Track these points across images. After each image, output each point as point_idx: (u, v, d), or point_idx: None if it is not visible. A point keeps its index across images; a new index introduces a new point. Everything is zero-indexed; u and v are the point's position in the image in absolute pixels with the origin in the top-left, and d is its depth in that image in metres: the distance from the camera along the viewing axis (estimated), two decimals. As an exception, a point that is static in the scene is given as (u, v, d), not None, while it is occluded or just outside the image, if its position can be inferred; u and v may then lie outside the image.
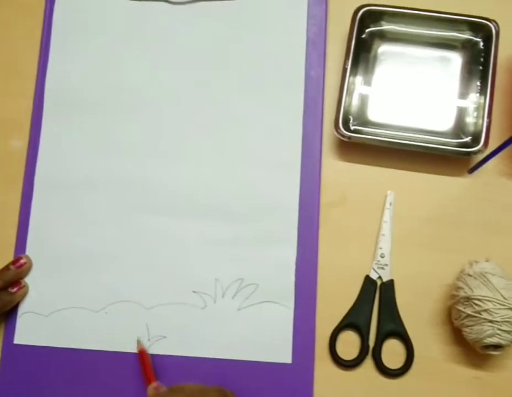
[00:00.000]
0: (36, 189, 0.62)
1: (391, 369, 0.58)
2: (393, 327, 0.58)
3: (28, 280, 0.61)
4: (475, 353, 0.56)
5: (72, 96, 0.64)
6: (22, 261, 0.60)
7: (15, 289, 0.59)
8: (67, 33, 0.65)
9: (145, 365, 0.57)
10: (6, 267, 0.60)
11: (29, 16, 0.66)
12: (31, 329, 0.60)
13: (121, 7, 0.65)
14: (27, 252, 0.61)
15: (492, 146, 0.57)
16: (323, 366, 0.58)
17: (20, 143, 0.64)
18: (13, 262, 0.60)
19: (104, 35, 0.65)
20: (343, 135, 0.59)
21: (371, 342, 0.58)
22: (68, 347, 0.59)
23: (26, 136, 0.64)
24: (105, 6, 0.65)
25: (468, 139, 0.59)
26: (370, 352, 0.58)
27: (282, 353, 0.58)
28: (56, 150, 0.63)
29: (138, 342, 0.58)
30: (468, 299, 0.54)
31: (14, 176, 0.63)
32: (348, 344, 0.59)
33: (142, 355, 0.57)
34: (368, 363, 0.58)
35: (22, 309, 0.60)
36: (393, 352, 0.58)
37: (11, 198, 0.62)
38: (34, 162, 0.63)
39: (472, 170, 0.58)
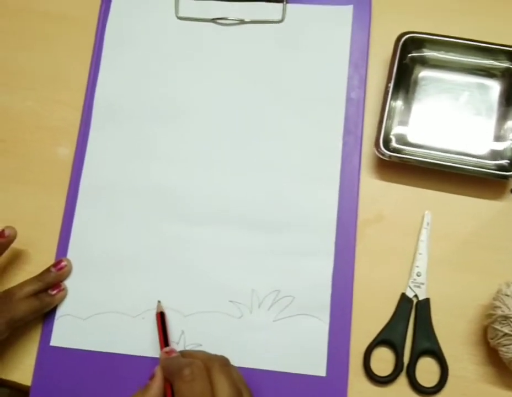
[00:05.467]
0: (80, 195, 0.64)
1: (425, 387, 0.58)
2: (428, 345, 0.58)
3: (68, 283, 0.62)
4: (511, 374, 0.56)
5: (119, 109, 0.66)
6: (63, 264, 0.61)
7: (54, 291, 0.60)
8: (117, 49, 0.68)
9: (159, 329, 0.57)
10: (47, 270, 0.61)
11: (82, 31, 0.69)
12: (68, 332, 0.60)
13: (170, 26, 0.68)
14: (69, 255, 0.62)
15: (530, 170, 0.58)
16: (356, 381, 0.58)
17: (67, 151, 0.66)
18: (54, 265, 0.61)
19: (153, 51, 0.68)
20: (383, 154, 0.61)
21: (406, 359, 0.59)
22: (104, 351, 0.60)
23: (72, 144, 0.66)
24: (155, 24, 0.68)
25: (505, 162, 0.61)
26: (404, 369, 0.58)
27: (316, 366, 0.58)
28: (101, 159, 0.65)
29: (158, 304, 0.59)
30: (505, 318, 0.54)
31: (59, 182, 0.65)
32: (383, 360, 0.59)
33: (158, 318, 0.58)
34: (402, 380, 0.58)
35: (60, 311, 0.61)
36: (427, 370, 0.58)
37: (56, 203, 0.64)
38: (80, 170, 0.65)
39: (514, 190, 0.60)
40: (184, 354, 0.55)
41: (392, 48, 0.63)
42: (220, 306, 0.60)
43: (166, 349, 0.55)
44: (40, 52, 0.70)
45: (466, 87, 0.64)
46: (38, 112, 0.68)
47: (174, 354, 0.54)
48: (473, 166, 0.60)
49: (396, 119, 0.63)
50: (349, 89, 0.65)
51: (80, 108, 0.67)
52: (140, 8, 0.69)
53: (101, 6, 0.69)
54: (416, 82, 0.64)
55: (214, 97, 0.66)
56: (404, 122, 0.63)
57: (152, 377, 0.53)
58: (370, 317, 0.60)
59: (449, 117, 0.63)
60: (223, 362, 0.52)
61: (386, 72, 0.63)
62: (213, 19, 0.67)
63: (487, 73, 0.64)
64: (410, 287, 0.60)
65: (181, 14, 0.68)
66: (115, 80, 0.67)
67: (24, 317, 0.58)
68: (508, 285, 0.56)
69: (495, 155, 0.62)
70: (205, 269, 0.61)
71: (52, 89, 0.69)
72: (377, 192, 0.63)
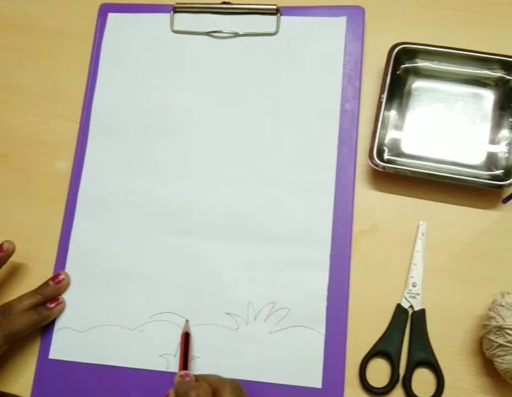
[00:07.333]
0: (78, 209, 0.65)
1: (421, 398, 0.58)
2: (424, 356, 0.58)
3: (66, 296, 0.62)
4: (507, 385, 0.56)
5: (116, 122, 0.67)
6: (61, 277, 0.62)
7: (53, 305, 0.61)
8: (114, 62, 0.69)
9: (182, 350, 0.58)
10: (46, 283, 0.62)
11: (79, 45, 0.70)
12: (66, 344, 0.61)
13: (166, 40, 0.69)
14: (67, 269, 0.63)
15: (524, 180, 0.58)
16: (352, 392, 0.58)
17: (65, 165, 0.67)
18: (52, 278, 0.62)
19: (149, 65, 0.68)
20: (377, 165, 0.61)
21: (401, 371, 0.59)
22: (103, 363, 0.60)
23: (70, 158, 0.67)
24: (150, 38, 0.69)
25: (499, 172, 0.61)
26: (400, 381, 0.58)
27: (312, 377, 0.58)
28: (98, 172, 0.66)
29: (186, 323, 0.60)
30: (500, 328, 0.54)
31: (58, 195, 0.66)
32: (379, 371, 0.59)
33: (183, 338, 0.59)
34: (398, 391, 0.58)
35: (58, 324, 0.62)
36: (423, 381, 0.58)
37: (55, 217, 0.65)
38: (78, 183, 0.65)
39: (506, 200, 0.59)
40: (197, 378, 0.55)
41: (385, 59, 0.64)
42: (217, 318, 0.61)
43: (181, 372, 0.56)
44: (38, 67, 0.71)
45: (460, 97, 0.64)
46: (37, 126, 0.69)
47: (187, 378, 0.55)
48: (467, 176, 0.60)
49: (390, 130, 0.63)
50: (343, 100, 0.65)
51: (78, 122, 0.68)
52: (136, 22, 0.69)
53: (97, 20, 0.70)
54: (409, 93, 0.64)
55: (210, 109, 0.66)
56: (398, 133, 0.63)
57: None
58: (366, 328, 0.60)
59: (443, 127, 0.63)
60: (235, 386, 0.53)
61: (380, 83, 0.64)
62: (208, 32, 0.68)
63: (481, 82, 0.64)
64: (405, 298, 0.60)
65: (176, 28, 0.69)
66: (111, 93, 0.68)
67: (23, 331, 0.58)
68: (503, 296, 0.56)
69: (489, 164, 0.62)
70: (201, 281, 0.62)
71: (50, 103, 0.70)
72: (372, 202, 0.63)
